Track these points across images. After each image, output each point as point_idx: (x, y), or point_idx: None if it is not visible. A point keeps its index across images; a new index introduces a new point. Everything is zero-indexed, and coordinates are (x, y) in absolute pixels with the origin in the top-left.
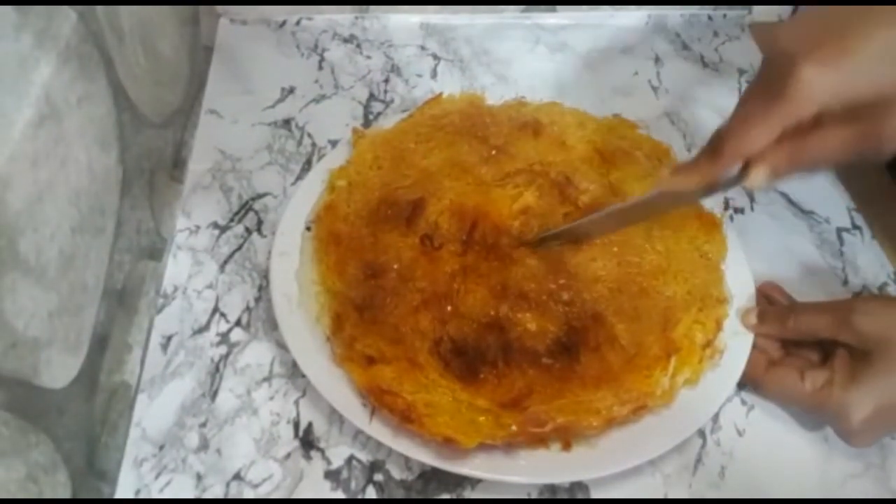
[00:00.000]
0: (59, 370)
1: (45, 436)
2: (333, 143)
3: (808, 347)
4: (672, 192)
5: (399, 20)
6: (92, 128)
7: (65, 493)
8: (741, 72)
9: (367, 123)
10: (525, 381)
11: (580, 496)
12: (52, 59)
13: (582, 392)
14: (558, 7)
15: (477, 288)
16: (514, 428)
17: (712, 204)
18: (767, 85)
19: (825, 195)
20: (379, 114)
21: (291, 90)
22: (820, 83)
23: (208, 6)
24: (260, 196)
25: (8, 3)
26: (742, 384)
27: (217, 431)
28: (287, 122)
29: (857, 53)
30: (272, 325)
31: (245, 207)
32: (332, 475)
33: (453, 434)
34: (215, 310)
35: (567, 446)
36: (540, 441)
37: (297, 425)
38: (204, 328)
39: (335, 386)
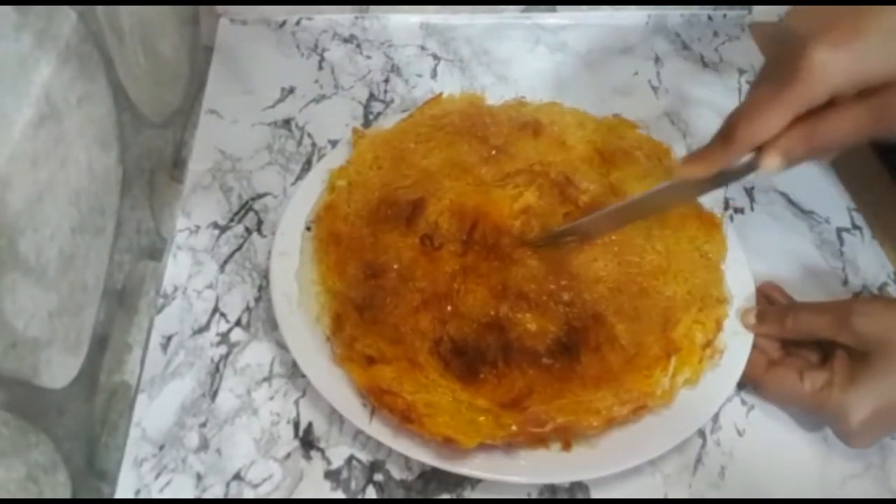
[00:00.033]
0: (59, 370)
1: (45, 436)
2: (333, 143)
3: (808, 348)
4: (685, 182)
5: (399, 20)
6: (92, 128)
7: (65, 493)
8: (741, 72)
9: (367, 123)
10: (525, 381)
11: (580, 496)
12: (52, 59)
13: (582, 392)
14: (558, 7)
15: (477, 288)
16: (514, 428)
17: (712, 204)
18: (779, 69)
19: (825, 195)
20: (379, 114)
21: (291, 90)
22: (832, 65)
23: (208, 6)
24: (260, 196)
25: (8, 3)
26: (742, 384)
27: (217, 431)
28: (287, 122)
29: (868, 35)
30: (272, 325)
31: (245, 207)
32: (332, 475)
33: (453, 434)
34: (215, 310)
35: (567, 446)
36: (540, 441)
37: (297, 425)
38: (204, 328)
39: (335, 386)
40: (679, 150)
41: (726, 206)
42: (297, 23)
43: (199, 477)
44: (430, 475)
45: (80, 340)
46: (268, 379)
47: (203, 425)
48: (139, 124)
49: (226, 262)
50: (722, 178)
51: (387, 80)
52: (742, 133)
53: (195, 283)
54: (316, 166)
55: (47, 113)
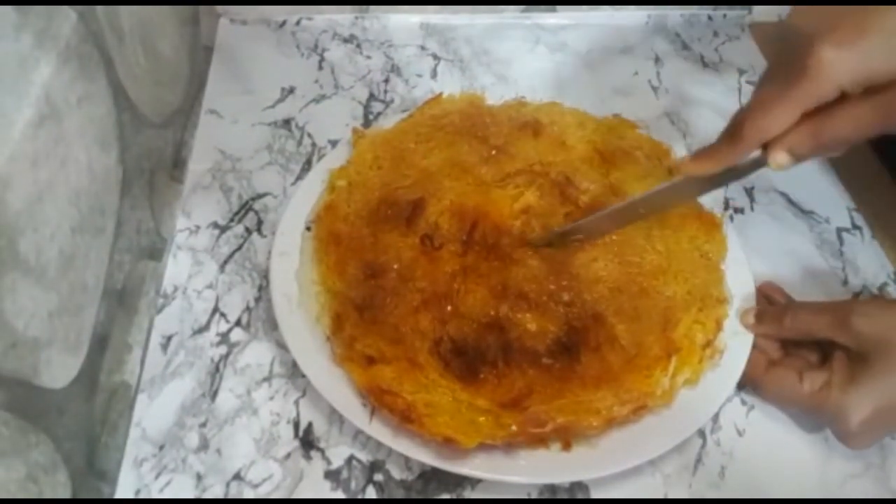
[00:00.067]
0: (59, 370)
1: (45, 436)
2: (333, 143)
3: (808, 348)
4: (689, 180)
5: (399, 20)
6: (92, 128)
7: (65, 493)
8: (741, 72)
9: (367, 123)
10: (525, 381)
11: (580, 496)
12: (52, 59)
13: (582, 392)
14: (558, 7)
15: (477, 288)
16: (514, 428)
17: (712, 204)
18: (786, 67)
19: (825, 195)
20: (379, 114)
21: (291, 90)
22: (839, 63)
23: (208, 6)
24: (260, 196)
25: (8, 3)
26: (741, 384)
27: (217, 431)
28: (287, 122)
29: (874, 33)
30: (272, 325)
31: (245, 207)
32: (332, 475)
33: (453, 434)
34: (215, 310)
35: (567, 446)
36: (540, 441)
37: (297, 425)
38: (204, 328)
39: (335, 386)
40: (679, 150)
41: (726, 206)
42: (297, 23)
43: (199, 477)
44: (430, 475)
45: (80, 340)
46: (268, 379)
47: (203, 425)
48: (139, 124)
49: (226, 262)
50: (728, 176)
51: (387, 80)
52: (750, 129)
53: (195, 283)
54: (316, 166)
55: (47, 113)
